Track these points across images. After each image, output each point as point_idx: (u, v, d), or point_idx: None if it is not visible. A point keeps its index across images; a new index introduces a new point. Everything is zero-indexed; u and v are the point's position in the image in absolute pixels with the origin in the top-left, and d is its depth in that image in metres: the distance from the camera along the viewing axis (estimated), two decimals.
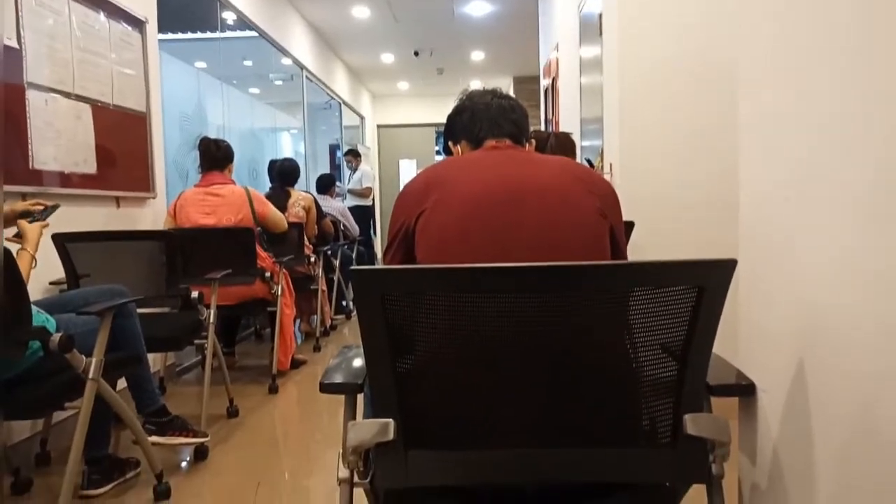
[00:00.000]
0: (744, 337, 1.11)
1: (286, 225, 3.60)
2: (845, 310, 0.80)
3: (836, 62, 0.81)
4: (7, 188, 2.31)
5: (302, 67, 6.63)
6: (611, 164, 3.01)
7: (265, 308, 3.51)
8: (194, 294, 2.55)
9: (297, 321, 4.45)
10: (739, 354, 1.11)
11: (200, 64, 4.89)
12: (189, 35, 4.97)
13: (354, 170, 7.67)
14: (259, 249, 3.25)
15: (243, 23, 5.09)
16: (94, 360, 1.77)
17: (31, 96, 2.46)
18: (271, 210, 3.41)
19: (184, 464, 2.38)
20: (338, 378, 1.09)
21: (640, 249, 2.49)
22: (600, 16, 3.21)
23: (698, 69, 2.72)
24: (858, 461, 0.78)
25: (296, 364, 3.71)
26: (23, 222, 1.91)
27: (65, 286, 2.45)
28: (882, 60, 0.71)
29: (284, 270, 3.47)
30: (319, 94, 7.75)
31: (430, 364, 0.94)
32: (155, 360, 3.11)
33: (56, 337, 1.62)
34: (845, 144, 0.79)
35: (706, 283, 0.86)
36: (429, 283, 0.90)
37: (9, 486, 2.12)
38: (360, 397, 1.10)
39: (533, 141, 1.47)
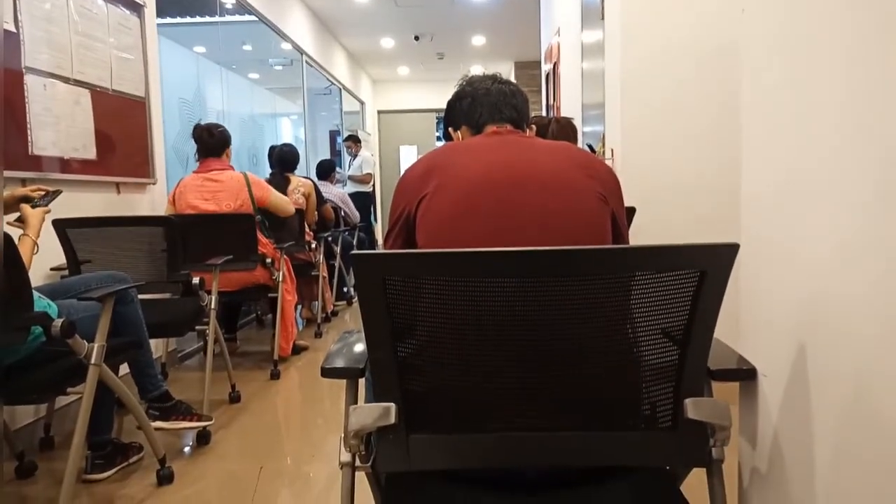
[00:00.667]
0: (745, 322, 1.11)
1: (293, 209, 3.56)
2: (847, 295, 0.79)
3: (841, 45, 0.80)
4: (7, 174, 2.30)
5: (301, 52, 6.59)
6: (612, 150, 3.00)
7: (266, 294, 3.51)
8: (195, 280, 2.55)
9: (299, 307, 4.46)
10: (741, 339, 1.11)
11: (199, 49, 4.86)
12: (188, 19, 4.94)
13: (354, 156, 7.65)
14: (260, 235, 3.25)
15: (242, 7, 5.05)
16: (95, 345, 1.77)
17: (30, 81, 2.45)
18: (273, 195, 3.39)
19: (186, 449, 2.40)
20: (339, 363, 1.10)
21: (641, 235, 2.48)
22: (602, 0, 3.18)
23: (701, 54, 2.70)
24: (857, 447, 0.78)
25: (297, 350, 3.73)
26: (25, 207, 1.90)
27: (66, 272, 2.46)
28: (890, 44, 0.70)
29: (285, 257, 3.47)
30: (319, 79, 7.71)
31: (431, 348, 0.94)
32: (157, 346, 3.12)
33: (58, 322, 1.62)
34: (851, 131, 0.78)
35: (708, 266, 0.86)
36: (429, 268, 0.90)
37: (13, 471, 2.13)
38: (362, 382, 1.10)
39: (533, 126, 1.47)
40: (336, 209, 5.16)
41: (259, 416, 2.79)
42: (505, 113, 1.37)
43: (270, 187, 3.42)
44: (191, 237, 2.80)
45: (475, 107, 1.38)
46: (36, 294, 1.71)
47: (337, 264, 4.98)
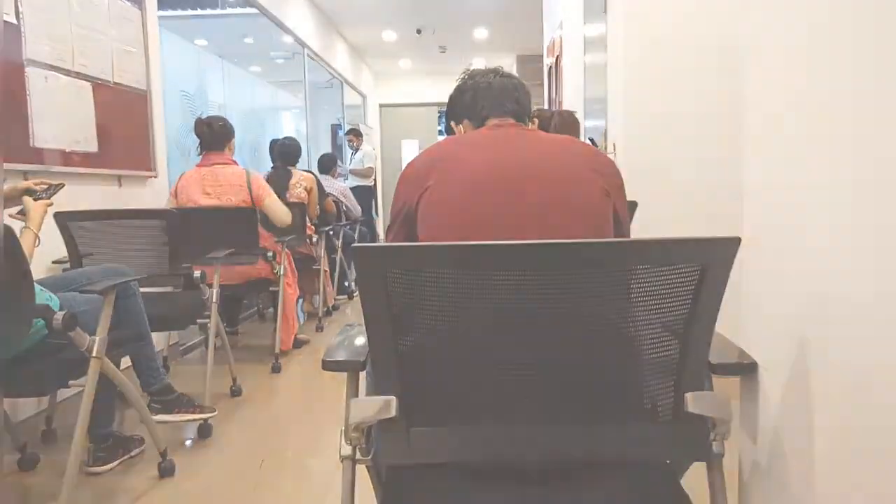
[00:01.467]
0: (746, 316, 1.10)
1: (289, 220, 3.40)
2: (848, 289, 0.79)
3: (844, 38, 0.80)
4: (8, 166, 2.30)
5: (303, 45, 6.57)
6: (614, 144, 2.99)
7: (268, 288, 3.51)
8: (197, 273, 2.55)
9: (300, 301, 4.46)
10: (742, 333, 1.11)
11: (201, 41, 4.86)
12: (189, 12, 4.93)
13: (356, 150, 7.63)
14: (261, 229, 3.25)
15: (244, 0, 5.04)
16: (97, 338, 1.77)
17: (31, 73, 2.44)
18: (269, 199, 3.26)
19: (188, 442, 2.41)
20: (340, 355, 1.10)
21: (643, 230, 2.48)
22: None
23: (703, 47, 2.69)
24: (858, 441, 0.78)
25: (298, 344, 3.73)
26: (28, 199, 1.90)
27: (67, 265, 2.46)
28: (893, 37, 0.70)
29: (287, 250, 3.46)
30: (321, 72, 7.69)
31: (431, 341, 0.94)
32: (158, 340, 3.12)
33: (59, 315, 1.62)
34: (853, 124, 0.78)
35: (709, 260, 0.86)
36: (431, 261, 0.90)
37: (15, 463, 2.14)
38: (363, 375, 1.10)
39: (536, 120, 1.46)
40: (337, 203, 5.16)
41: (260, 409, 2.79)
42: (507, 106, 1.36)
43: (271, 191, 3.31)
44: (192, 231, 2.79)
45: (477, 100, 1.38)
46: (38, 287, 1.71)
47: (338, 258, 4.98)
